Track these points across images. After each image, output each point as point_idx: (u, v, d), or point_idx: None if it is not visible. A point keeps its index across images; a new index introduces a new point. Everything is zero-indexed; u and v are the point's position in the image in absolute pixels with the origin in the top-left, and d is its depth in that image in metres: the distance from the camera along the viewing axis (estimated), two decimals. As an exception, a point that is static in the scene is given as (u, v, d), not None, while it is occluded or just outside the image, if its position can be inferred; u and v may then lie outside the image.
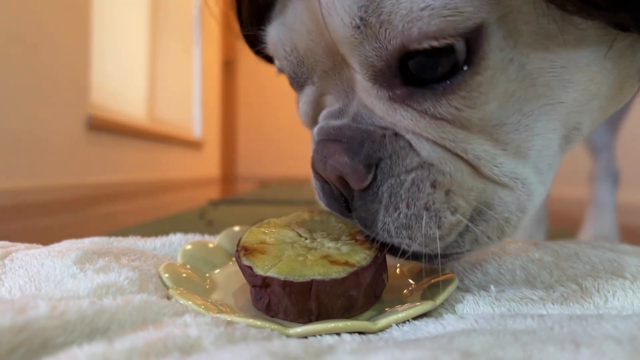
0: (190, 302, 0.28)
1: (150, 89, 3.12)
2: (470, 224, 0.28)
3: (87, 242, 0.40)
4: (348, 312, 0.29)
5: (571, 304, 0.29)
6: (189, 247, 0.37)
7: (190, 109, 3.99)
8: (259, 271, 0.28)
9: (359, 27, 0.26)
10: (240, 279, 0.35)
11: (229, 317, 0.26)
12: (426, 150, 0.28)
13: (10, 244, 0.39)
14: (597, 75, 0.27)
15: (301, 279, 0.27)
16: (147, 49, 3.03)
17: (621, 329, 0.23)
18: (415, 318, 0.28)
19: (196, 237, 0.45)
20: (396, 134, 0.28)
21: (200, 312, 0.27)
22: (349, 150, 0.29)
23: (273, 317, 0.29)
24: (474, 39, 0.25)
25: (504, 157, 0.28)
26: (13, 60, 1.75)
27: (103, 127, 2.43)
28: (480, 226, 0.29)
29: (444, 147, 0.28)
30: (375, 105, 0.29)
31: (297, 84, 0.32)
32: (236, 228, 0.43)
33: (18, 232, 1.05)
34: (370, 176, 0.28)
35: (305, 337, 0.25)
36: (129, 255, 0.35)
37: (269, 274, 0.28)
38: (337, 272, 0.27)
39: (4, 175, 1.70)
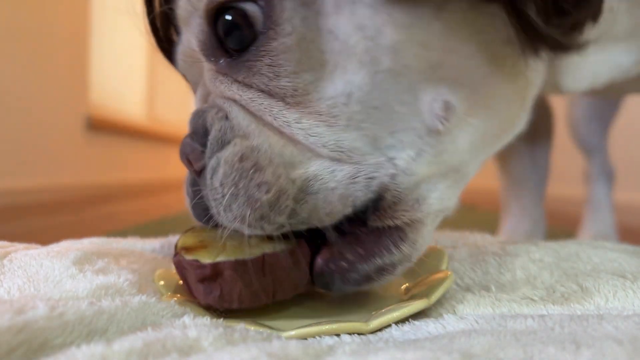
0: (185, 304, 0.28)
1: (150, 89, 3.12)
2: (295, 203, 0.26)
3: (87, 243, 0.39)
4: (296, 289, 0.28)
5: (572, 304, 0.29)
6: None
7: (190, 108, 3.99)
8: (207, 260, 0.27)
9: (187, 3, 0.28)
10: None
11: (223, 321, 0.26)
12: (241, 123, 0.28)
13: (9, 244, 0.39)
14: (429, 38, 0.26)
15: (252, 257, 0.26)
16: (147, 48, 3.03)
17: (622, 330, 0.23)
18: (415, 318, 0.28)
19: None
20: (221, 109, 0.29)
21: (195, 313, 0.27)
22: (193, 132, 0.29)
23: (227, 307, 0.27)
24: (267, 4, 0.25)
25: (323, 127, 0.26)
26: (12, 60, 1.75)
27: (102, 127, 2.43)
28: (308, 201, 0.27)
29: (260, 119, 0.27)
30: (210, 82, 0.29)
31: (193, 89, 0.34)
32: None
33: (17, 232, 1.05)
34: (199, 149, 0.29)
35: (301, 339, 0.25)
36: (128, 257, 0.35)
37: (218, 259, 0.27)
38: (283, 248, 0.27)
39: (3, 175, 1.70)
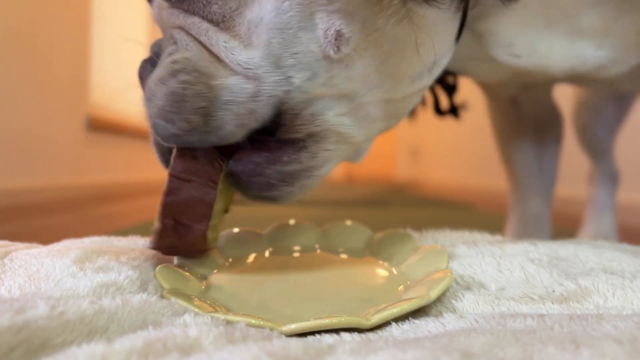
0: (186, 304, 0.28)
1: (150, 89, 3.12)
2: (208, 106, 0.31)
3: (87, 242, 0.39)
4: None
5: (571, 303, 0.29)
6: None
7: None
8: None
9: None
10: (237, 281, 0.34)
11: (223, 316, 0.26)
12: (183, 42, 0.33)
13: (10, 243, 0.39)
14: None
15: None
16: (147, 48, 3.02)
17: (621, 329, 0.23)
18: (416, 317, 0.28)
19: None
20: (172, 37, 0.34)
21: (196, 312, 0.27)
22: (149, 57, 0.36)
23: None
24: None
25: (240, 47, 0.32)
26: (13, 60, 1.75)
27: (103, 127, 2.43)
28: (219, 109, 0.32)
29: (197, 40, 0.33)
30: (164, 15, 0.35)
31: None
32: (235, 229, 0.43)
33: (17, 232, 1.05)
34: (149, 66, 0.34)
35: (301, 335, 0.25)
36: (129, 254, 0.35)
37: None
38: None
39: (3, 175, 1.70)
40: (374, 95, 0.35)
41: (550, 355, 0.19)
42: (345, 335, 0.24)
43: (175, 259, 0.35)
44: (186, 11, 0.33)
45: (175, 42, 0.34)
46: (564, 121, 0.66)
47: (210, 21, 0.32)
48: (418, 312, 0.29)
